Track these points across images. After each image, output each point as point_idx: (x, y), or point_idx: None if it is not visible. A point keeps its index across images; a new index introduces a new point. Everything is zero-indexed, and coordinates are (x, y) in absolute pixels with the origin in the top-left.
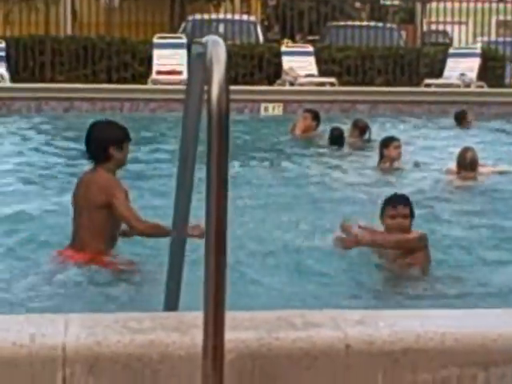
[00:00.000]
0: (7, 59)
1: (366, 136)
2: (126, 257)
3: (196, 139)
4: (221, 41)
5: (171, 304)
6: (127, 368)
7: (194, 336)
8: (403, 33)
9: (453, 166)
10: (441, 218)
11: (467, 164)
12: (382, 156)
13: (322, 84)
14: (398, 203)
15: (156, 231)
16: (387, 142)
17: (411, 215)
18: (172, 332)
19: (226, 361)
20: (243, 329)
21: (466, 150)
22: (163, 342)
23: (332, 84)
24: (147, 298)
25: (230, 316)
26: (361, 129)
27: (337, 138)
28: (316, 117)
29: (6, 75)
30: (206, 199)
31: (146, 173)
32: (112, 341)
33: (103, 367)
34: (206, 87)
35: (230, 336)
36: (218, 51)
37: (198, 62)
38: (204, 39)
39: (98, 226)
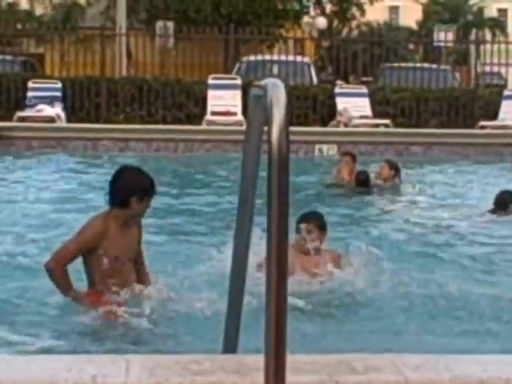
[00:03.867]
0: (63, 99)
1: (396, 177)
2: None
3: (255, 179)
4: (281, 83)
5: (230, 346)
6: None
7: (255, 379)
8: (457, 74)
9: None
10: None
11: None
12: None
13: (376, 125)
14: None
15: (58, 283)
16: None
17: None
18: (232, 374)
19: None
20: (304, 372)
21: (503, 192)
22: None
23: (386, 125)
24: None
25: (291, 359)
26: (391, 171)
27: (362, 182)
28: (355, 159)
29: (62, 115)
30: (267, 240)
31: (200, 212)
32: (173, 382)
33: None
34: (265, 128)
35: (291, 379)
36: (278, 94)
37: (258, 104)
38: (263, 82)
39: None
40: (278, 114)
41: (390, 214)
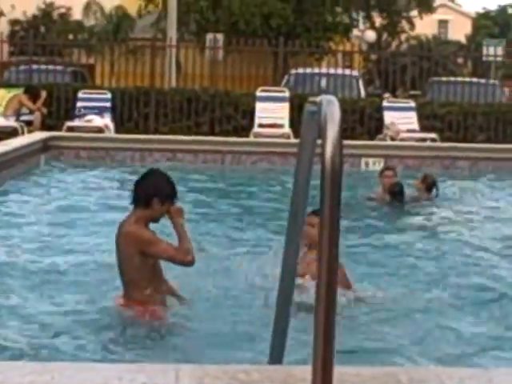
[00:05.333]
0: (112, 110)
1: (434, 192)
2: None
3: (307, 193)
4: (335, 100)
5: (276, 357)
6: None
7: None
8: (506, 89)
9: None
10: None
11: None
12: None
13: (424, 140)
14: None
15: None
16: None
17: None
18: None
19: None
20: None
21: None
22: None
23: (433, 140)
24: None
25: (337, 370)
26: (428, 185)
27: (395, 194)
28: (396, 173)
29: (111, 126)
30: (318, 252)
31: (248, 225)
32: None
33: None
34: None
35: None
36: (332, 110)
37: (312, 120)
38: (318, 98)
39: (136, 274)
40: (332, 131)
41: (412, 226)
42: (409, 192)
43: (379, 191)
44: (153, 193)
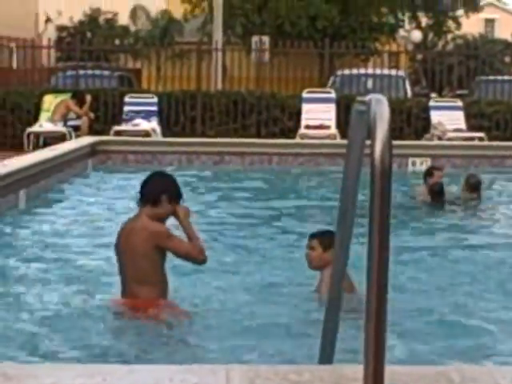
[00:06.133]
0: (159, 114)
1: (476, 192)
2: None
3: (355, 195)
4: (384, 99)
5: (326, 357)
6: None
7: None
8: None
9: None
10: None
11: None
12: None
13: (471, 139)
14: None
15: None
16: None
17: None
18: None
19: None
20: (402, 383)
21: None
22: None
23: (481, 139)
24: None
25: (389, 370)
26: (471, 185)
27: (436, 194)
28: (442, 173)
29: (158, 129)
30: (368, 256)
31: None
32: None
33: None
34: (368, 143)
35: None
36: (381, 109)
37: (361, 119)
38: (367, 97)
39: (147, 274)
40: (382, 130)
41: (447, 228)
42: (453, 193)
43: (423, 191)
44: (161, 190)
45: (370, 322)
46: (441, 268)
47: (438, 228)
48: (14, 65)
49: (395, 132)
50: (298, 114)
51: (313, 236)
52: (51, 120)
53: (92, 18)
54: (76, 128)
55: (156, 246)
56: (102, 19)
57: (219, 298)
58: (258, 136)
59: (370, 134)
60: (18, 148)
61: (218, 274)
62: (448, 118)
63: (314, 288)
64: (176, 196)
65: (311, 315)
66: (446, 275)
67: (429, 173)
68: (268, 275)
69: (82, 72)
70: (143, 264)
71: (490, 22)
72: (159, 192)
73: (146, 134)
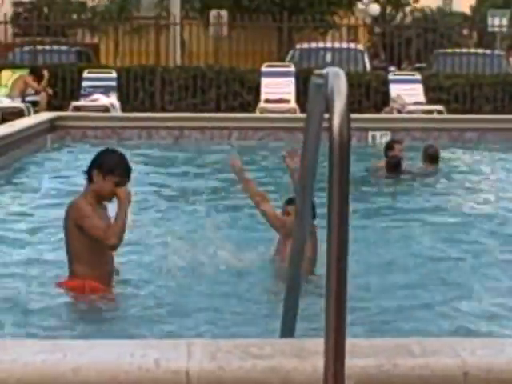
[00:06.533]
0: (118, 89)
1: (434, 164)
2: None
3: (315, 168)
4: (342, 72)
5: (287, 331)
6: None
7: (315, 362)
8: (511, 60)
9: None
10: None
11: None
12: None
13: (430, 112)
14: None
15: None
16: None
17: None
18: (292, 358)
19: None
20: (363, 355)
21: None
22: (284, 367)
23: (440, 112)
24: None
25: (350, 343)
26: (430, 155)
27: (392, 168)
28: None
29: (117, 105)
30: (328, 226)
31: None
32: (234, 366)
33: None
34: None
35: (350, 363)
36: (339, 83)
37: (318, 93)
38: (324, 70)
39: (77, 252)
40: (340, 103)
41: (400, 200)
42: (410, 165)
43: (380, 164)
44: (92, 165)
45: (331, 294)
46: (397, 242)
47: (393, 202)
48: None
49: (354, 105)
50: (258, 88)
51: (290, 202)
52: (9, 96)
53: None
54: (34, 103)
55: (75, 224)
56: None
57: (173, 273)
58: (218, 110)
59: (328, 107)
60: None
61: (175, 248)
62: (407, 91)
63: (272, 252)
64: (111, 171)
65: (272, 285)
66: (403, 250)
67: (389, 146)
68: (228, 244)
69: (39, 48)
70: (72, 242)
71: None
72: (91, 167)
73: (105, 109)
